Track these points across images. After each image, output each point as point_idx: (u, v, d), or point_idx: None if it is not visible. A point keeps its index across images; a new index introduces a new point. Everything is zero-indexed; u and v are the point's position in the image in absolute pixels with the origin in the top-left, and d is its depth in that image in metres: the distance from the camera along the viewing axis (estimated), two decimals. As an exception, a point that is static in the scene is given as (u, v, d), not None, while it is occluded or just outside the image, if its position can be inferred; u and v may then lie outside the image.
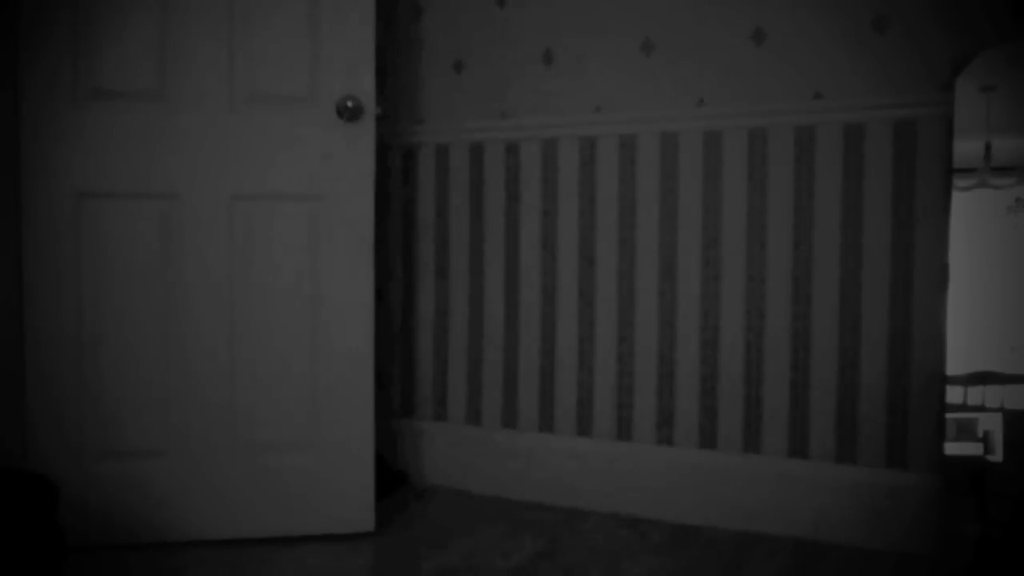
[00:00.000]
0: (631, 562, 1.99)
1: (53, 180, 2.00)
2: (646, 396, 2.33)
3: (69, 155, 2.01)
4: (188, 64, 2.06)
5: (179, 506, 2.08)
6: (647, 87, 2.30)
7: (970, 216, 2.02)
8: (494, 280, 2.52)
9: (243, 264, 2.10)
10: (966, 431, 2.03)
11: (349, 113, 2.09)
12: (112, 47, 2.02)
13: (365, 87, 2.13)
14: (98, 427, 2.05)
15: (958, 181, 1.98)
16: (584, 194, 2.38)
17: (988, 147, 2.00)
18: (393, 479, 2.57)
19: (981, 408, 2.04)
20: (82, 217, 2.03)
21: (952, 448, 1.98)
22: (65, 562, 1.52)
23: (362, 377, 2.15)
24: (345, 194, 2.14)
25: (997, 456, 2.02)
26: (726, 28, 2.20)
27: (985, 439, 2.03)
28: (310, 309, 2.13)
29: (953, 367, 1.98)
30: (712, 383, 2.24)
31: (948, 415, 1.99)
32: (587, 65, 2.37)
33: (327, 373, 2.14)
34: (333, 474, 2.15)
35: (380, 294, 2.70)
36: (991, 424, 2.03)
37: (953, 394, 2.00)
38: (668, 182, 2.28)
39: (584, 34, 2.37)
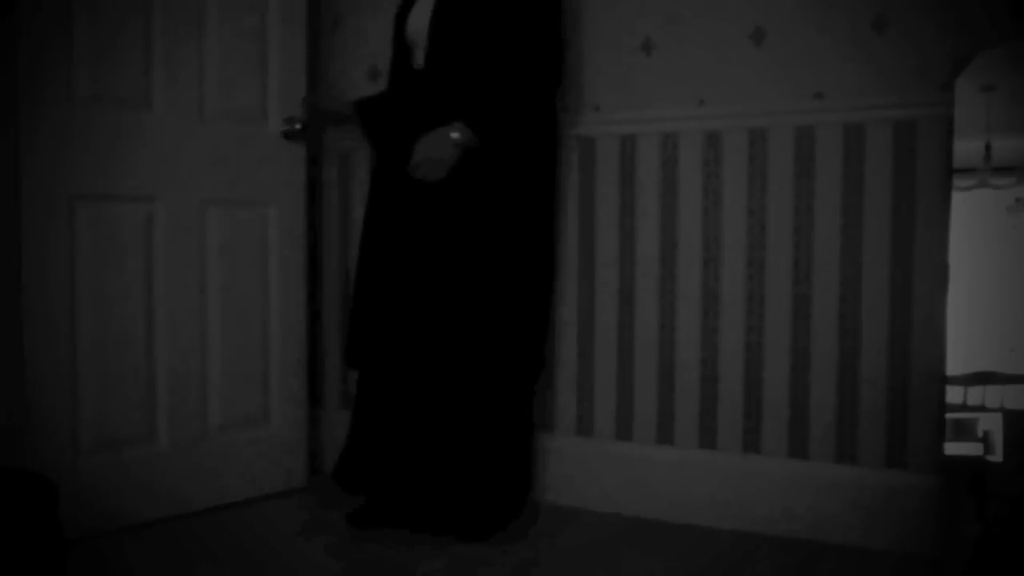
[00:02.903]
0: (630, 561, 2.00)
1: (48, 182, 2.03)
2: (647, 396, 2.33)
3: (63, 158, 2.05)
4: (170, 75, 2.21)
5: (163, 486, 2.24)
6: (647, 87, 2.30)
7: (970, 216, 2.02)
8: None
9: (212, 265, 2.32)
10: (966, 431, 2.03)
11: (286, 132, 2.44)
12: (106, 56, 2.10)
13: (297, 109, 2.48)
14: (92, 421, 2.12)
15: (958, 181, 1.98)
16: (584, 194, 2.38)
17: (988, 147, 2.00)
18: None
19: (981, 408, 2.04)
20: (76, 218, 2.08)
21: (952, 448, 1.98)
22: (67, 562, 1.52)
23: (296, 366, 2.53)
24: (284, 202, 2.47)
25: (997, 456, 2.02)
26: (726, 28, 2.20)
27: (985, 439, 2.03)
28: (261, 307, 2.43)
29: (953, 367, 1.98)
30: (712, 383, 2.24)
31: (948, 415, 1.99)
32: (586, 64, 2.37)
33: (272, 359, 2.47)
34: (277, 445, 2.50)
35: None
36: (991, 424, 2.03)
37: (953, 394, 2.00)
38: (667, 182, 2.28)
39: (583, 34, 2.37)
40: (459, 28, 2.05)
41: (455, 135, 1.98)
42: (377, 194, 2.21)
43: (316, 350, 2.77)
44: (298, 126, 2.43)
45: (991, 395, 2.04)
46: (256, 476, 2.44)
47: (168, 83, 2.20)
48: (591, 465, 2.38)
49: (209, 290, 2.31)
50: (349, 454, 2.24)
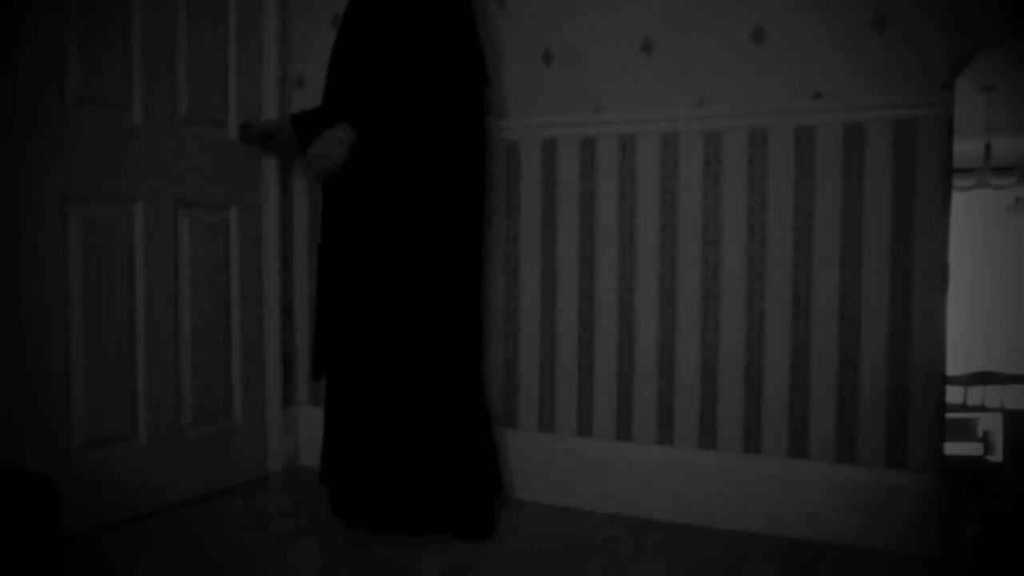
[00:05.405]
0: (631, 562, 2.00)
1: (42, 182, 2.04)
2: (646, 396, 2.33)
3: (56, 158, 2.07)
4: (147, 82, 2.28)
5: (142, 481, 2.30)
6: (647, 87, 2.30)
7: (970, 216, 2.02)
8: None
9: (183, 265, 2.39)
10: (966, 431, 2.04)
11: (241, 137, 2.55)
12: (93, 62, 2.14)
13: (258, 116, 2.64)
14: (82, 419, 2.14)
15: (958, 181, 1.98)
16: (585, 194, 2.38)
17: (988, 147, 2.00)
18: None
19: (981, 408, 2.04)
20: (68, 218, 2.10)
21: (952, 448, 1.98)
22: (68, 562, 1.52)
23: (256, 361, 2.66)
24: (244, 203, 2.60)
25: (997, 456, 2.03)
26: (726, 28, 2.20)
27: (985, 439, 2.04)
28: (223, 306, 2.54)
29: (953, 367, 1.98)
30: (712, 383, 2.25)
31: (948, 415, 1.99)
32: (587, 64, 2.37)
33: (234, 356, 2.58)
34: (240, 438, 2.61)
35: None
36: (991, 424, 2.03)
37: (953, 394, 2.00)
38: (668, 182, 2.28)
39: (584, 34, 2.37)
40: (359, 41, 2.18)
41: (341, 134, 2.09)
42: (325, 203, 2.26)
43: (288, 347, 2.78)
44: (256, 131, 2.53)
45: (991, 395, 2.04)
46: (224, 468, 2.54)
47: (146, 89, 2.27)
48: (593, 466, 2.38)
49: (180, 290, 2.39)
50: (330, 472, 2.23)
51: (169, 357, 2.35)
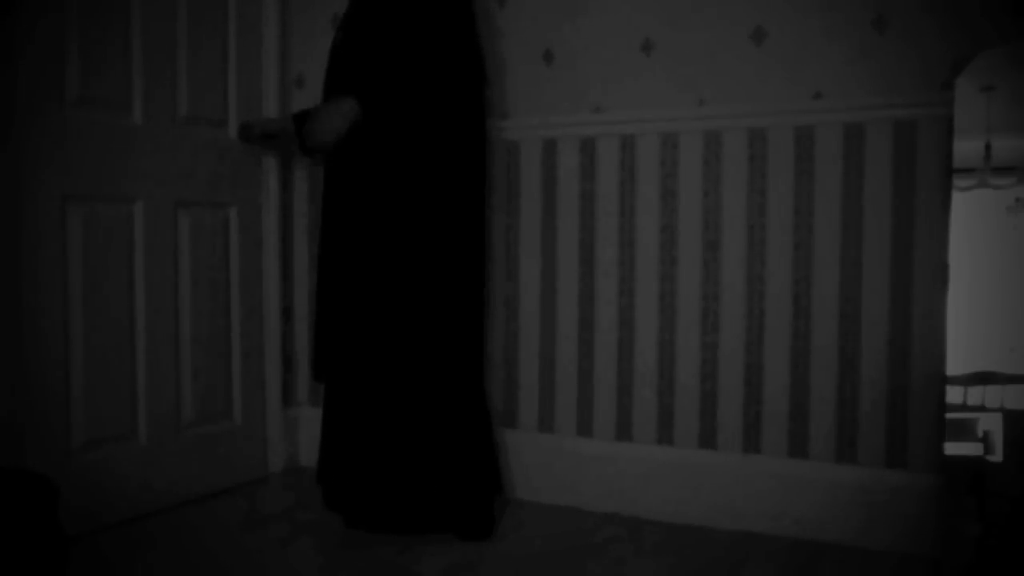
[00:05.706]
0: (631, 562, 2.00)
1: (43, 182, 2.04)
2: (646, 396, 2.33)
3: (56, 159, 2.07)
4: (147, 82, 2.28)
5: (142, 481, 2.30)
6: (647, 87, 2.30)
7: (970, 216, 2.02)
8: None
9: (183, 265, 2.40)
10: (966, 431, 2.03)
11: (241, 137, 2.54)
12: (92, 62, 2.14)
13: (259, 115, 2.63)
14: (82, 419, 2.14)
15: (958, 181, 1.98)
16: (585, 194, 2.38)
17: (988, 147, 2.00)
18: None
19: (981, 408, 2.04)
20: (68, 219, 2.10)
21: (952, 448, 1.98)
22: (68, 563, 1.52)
23: (256, 362, 2.66)
24: (244, 203, 2.60)
25: (997, 456, 2.02)
26: (726, 28, 2.20)
27: (985, 439, 2.03)
28: (223, 306, 2.54)
29: (953, 367, 1.98)
30: (712, 383, 2.25)
31: (948, 415, 1.99)
32: (587, 64, 2.37)
33: (234, 356, 2.58)
34: (240, 438, 2.61)
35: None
36: (991, 424, 2.03)
37: (953, 394, 2.00)
38: (668, 182, 2.28)
39: (584, 34, 2.37)
40: (359, 40, 2.17)
41: (345, 106, 2.09)
42: (324, 200, 2.25)
43: (288, 348, 2.78)
44: (257, 131, 2.51)
45: (991, 395, 2.04)
46: (224, 468, 2.55)
47: (146, 89, 2.28)
48: (592, 465, 2.39)
49: (180, 290, 2.40)
50: (327, 472, 2.22)
51: (169, 357, 2.36)
